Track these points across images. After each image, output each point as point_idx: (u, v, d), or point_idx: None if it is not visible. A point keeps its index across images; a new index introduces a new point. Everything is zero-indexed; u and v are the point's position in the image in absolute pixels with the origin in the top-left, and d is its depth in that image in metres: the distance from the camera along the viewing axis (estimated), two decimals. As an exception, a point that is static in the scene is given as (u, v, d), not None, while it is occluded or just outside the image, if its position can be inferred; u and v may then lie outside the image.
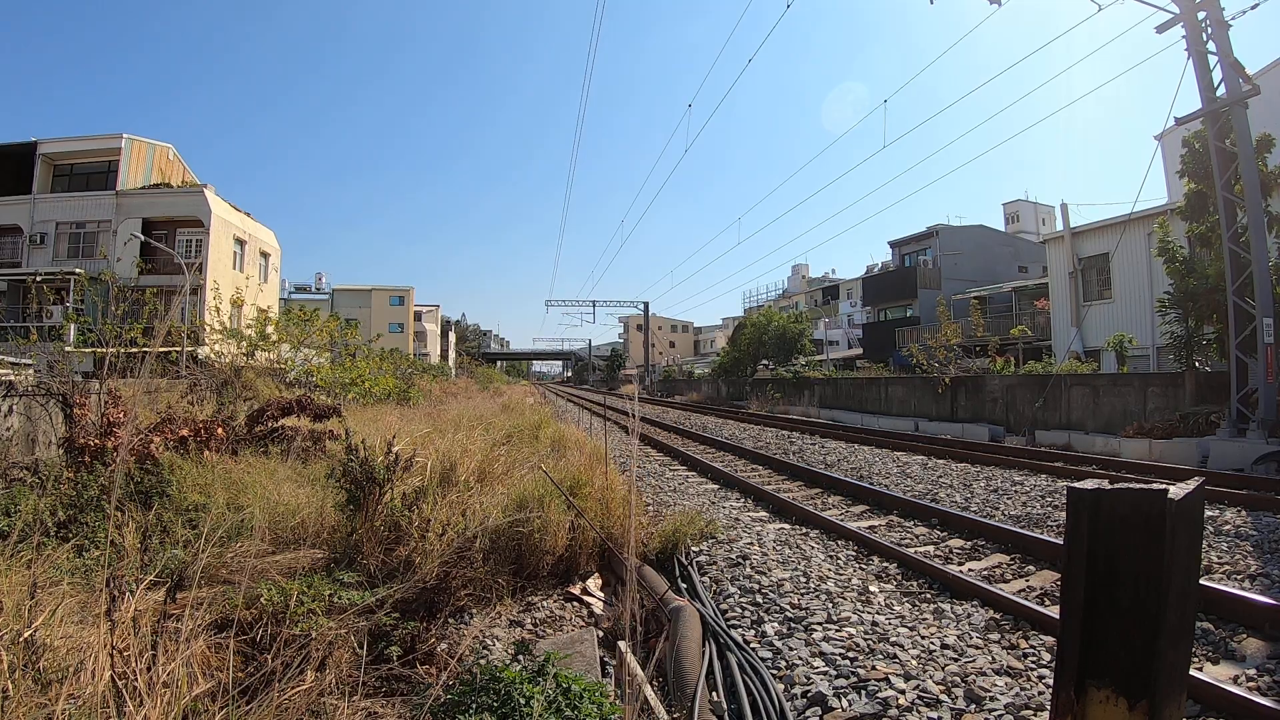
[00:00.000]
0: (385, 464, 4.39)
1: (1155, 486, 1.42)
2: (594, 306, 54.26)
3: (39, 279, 23.63)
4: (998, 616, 4.19)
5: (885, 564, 5.41)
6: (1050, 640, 3.75)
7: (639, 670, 3.38)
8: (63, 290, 25.37)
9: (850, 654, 3.63)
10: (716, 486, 9.42)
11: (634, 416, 3.45)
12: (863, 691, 3.23)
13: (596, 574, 5.13)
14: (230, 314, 14.98)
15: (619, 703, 2.70)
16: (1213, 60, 11.20)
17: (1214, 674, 3.37)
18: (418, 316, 67.96)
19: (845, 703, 3.15)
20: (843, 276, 62.40)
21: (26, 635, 2.23)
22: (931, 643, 3.75)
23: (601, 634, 4.12)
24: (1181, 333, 13.62)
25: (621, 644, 3.10)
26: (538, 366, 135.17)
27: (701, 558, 5.48)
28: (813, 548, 5.84)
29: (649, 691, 3.21)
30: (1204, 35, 11.21)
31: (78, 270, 25.97)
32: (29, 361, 9.84)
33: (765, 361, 37.39)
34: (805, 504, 7.74)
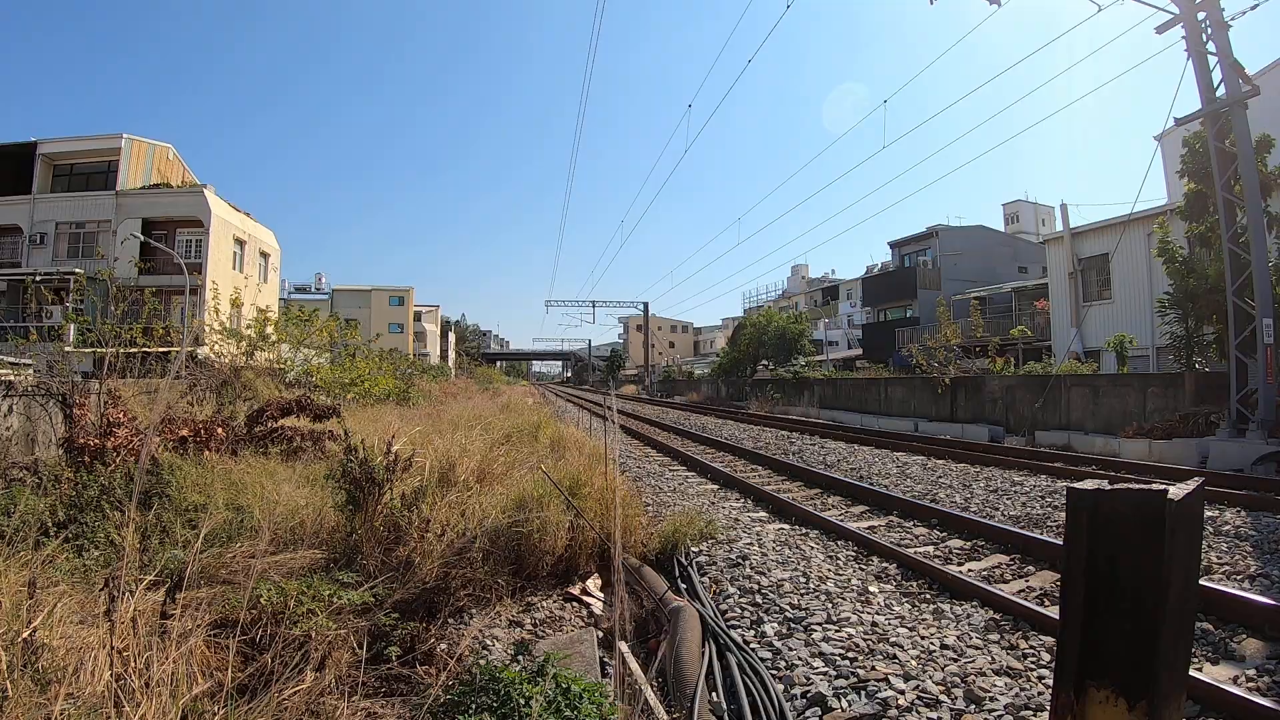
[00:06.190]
0: (385, 464, 4.38)
1: (1155, 487, 1.41)
2: (594, 307, 54.26)
3: (38, 279, 23.64)
4: (997, 617, 4.18)
5: (885, 564, 5.40)
6: (1050, 640, 3.75)
7: (638, 670, 3.38)
8: (62, 290, 25.37)
9: (850, 654, 3.63)
10: (716, 487, 9.42)
11: (611, 409, 3.45)
12: (862, 692, 3.23)
13: (596, 574, 5.13)
14: (230, 314, 14.97)
15: (618, 703, 2.70)
16: (1212, 61, 11.20)
17: (1213, 674, 3.37)
18: (417, 317, 67.98)
19: (845, 703, 3.15)
20: (842, 277, 62.44)
21: (25, 635, 2.22)
22: (931, 643, 3.75)
23: (601, 634, 4.11)
24: (1181, 333, 13.62)
25: (621, 645, 3.10)
26: (537, 367, 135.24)
27: (701, 558, 5.48)
28: (812, 548, 5.84)
29: (648, 692, 3.21)
30: (1204, 36, 11.21)
31: (77, 270, 26.01)
32: (29, 361, 9.83)
33: (765, 362, 37.40)
34: (805, 504, 7.74)
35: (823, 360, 41.74)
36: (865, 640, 3.79)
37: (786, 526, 6.85)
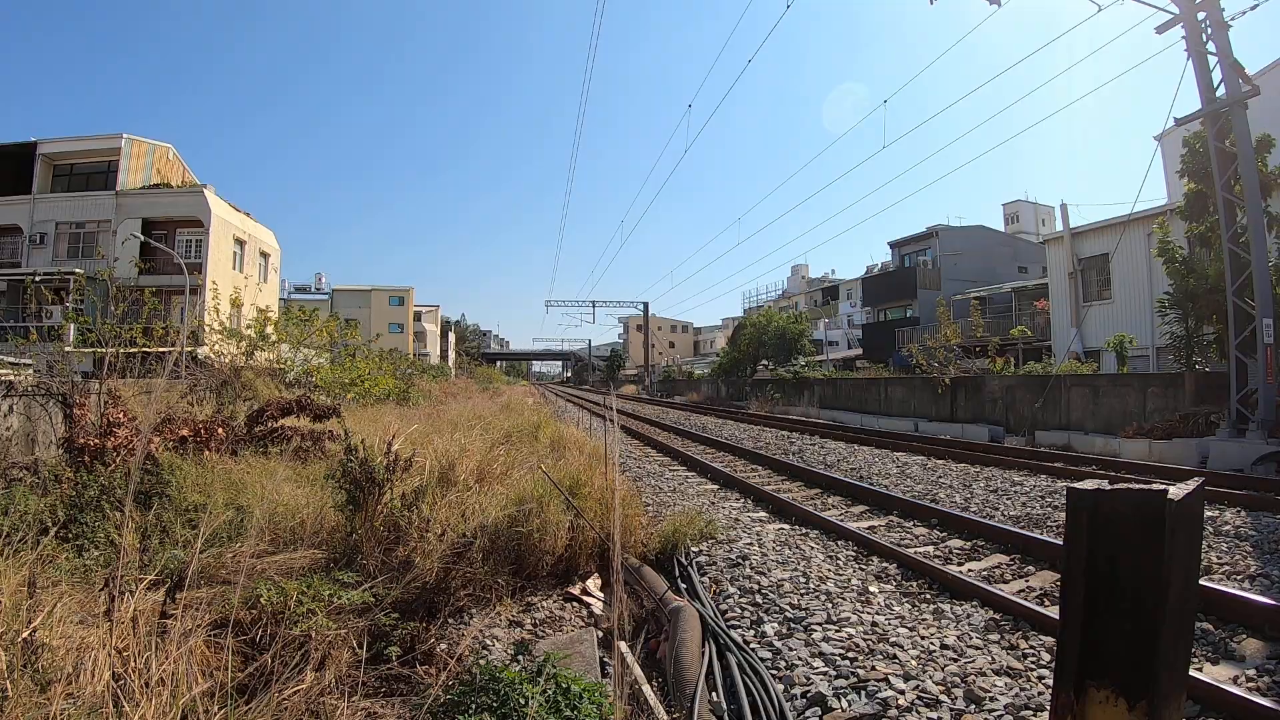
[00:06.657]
0: (385, 464, 4.38)
1: (1155, 487, 1.41)
2: (594, 307, 54.25)
3: (38, 279, 23.61)
4: (997, 617, 4.18)
5: (885, 564, 5.40)
6: (1050, 640, 3.75)
7: (638, 670, 3.38)
8: (62, 290, 25.35)
9: (850, 654, 3.62)
10: (716, 487, 9.42)
11: (612, 409, 3.45)
12: (862, 692, 3.23)
13: (596, 574, 5.13)
14: (230, 314, 14.95)
15: (618, 703, 2.70)
16: (1212, 61, 11.20)
17: (1213, 674, 3.37)
18: (417, 317, 67.98)
19: (845, 703, 3.15)
20: (842, 277, 62.45)
21: (25, 635, 2.22)
22: (931, 643, 3.75)
23: (601, 634, 4.11)
24: (1181, 333, 13.62)
25: (621, 645, 3.10)
26: (537, 367, 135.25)
27: (701, 558, 5.48)
28: (812, 548, 5.84)
29: (648, 691, 3.21)
30: (1204, 36, 11.21)
31: (77, 270, 25.97)
32: (29, 361, 9.82)
33: (765, 362, 37.40)
34: (805, 504, 7.74)
35: (823, 360, 41.74)
36: (865, 640, 3.79)
37: (786, 526, 6.85)
